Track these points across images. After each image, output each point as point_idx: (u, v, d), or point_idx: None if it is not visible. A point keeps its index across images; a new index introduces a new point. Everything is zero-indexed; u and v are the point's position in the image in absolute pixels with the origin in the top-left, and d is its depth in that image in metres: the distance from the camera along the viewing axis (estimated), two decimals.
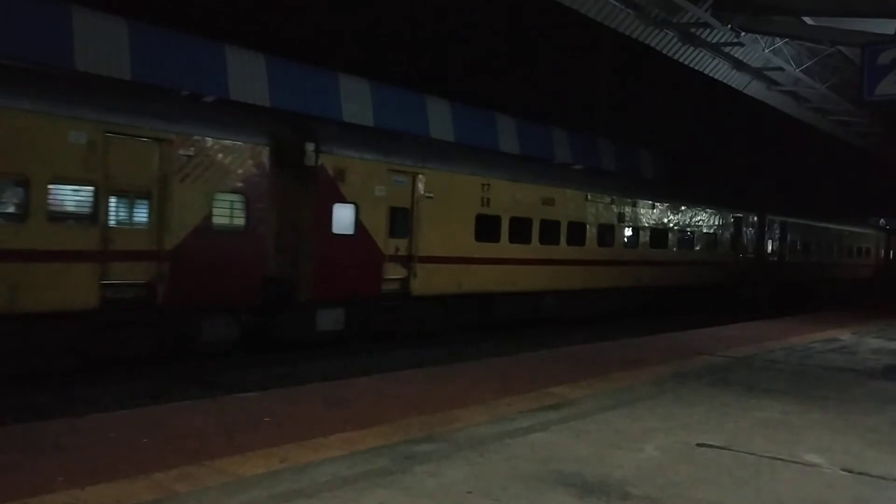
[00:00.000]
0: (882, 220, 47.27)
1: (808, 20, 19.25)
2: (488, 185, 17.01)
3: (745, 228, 28.13)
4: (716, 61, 22.78)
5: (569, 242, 19.50)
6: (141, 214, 11.29)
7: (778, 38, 21.68)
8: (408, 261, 15.16)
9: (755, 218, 28.74)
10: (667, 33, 20.25)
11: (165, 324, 11.69)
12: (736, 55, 22.43)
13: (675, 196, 24.59)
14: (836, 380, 10.74)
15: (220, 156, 12.01)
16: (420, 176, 15.33)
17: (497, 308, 17.79)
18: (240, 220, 12.42)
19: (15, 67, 11.31)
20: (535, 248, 18.39)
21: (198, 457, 5.55)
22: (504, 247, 17.52)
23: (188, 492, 4.89)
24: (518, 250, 17.89)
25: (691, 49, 21.44)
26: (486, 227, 17.02)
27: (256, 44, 20.78)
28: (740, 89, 25.21)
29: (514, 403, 7.91)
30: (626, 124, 36.73)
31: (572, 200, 19.66)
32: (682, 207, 24.58)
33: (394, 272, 14.96)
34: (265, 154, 12.65)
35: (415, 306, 15.56)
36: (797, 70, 23.53)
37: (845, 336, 16.36)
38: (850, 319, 20.30)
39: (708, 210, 25.98)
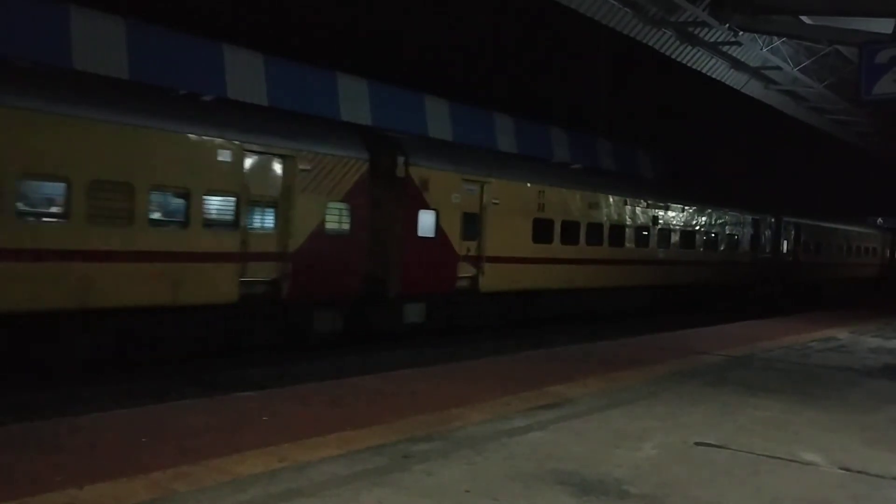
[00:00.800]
0: (879, 220, 47.37)
1: (805, 19, 19.26)
2: (543, 191, 18.77)
3: (762, 230, 29.59)
4: (713, 60, 22.81)
5: (610, 243, 21.11)
6: (269, 221, 13.12)
7: (776, 38, 21.70)
8: (477, 260, 16.86)
9: (772, 220, 30.18)
10: (665, 32, 20.28)
11: (286, 316, 13.56)
12: (734, 54, 22.46)
13: (703, 199, 26.09)
14: (834, 379, 10.76)
15: (331, 169, 13.84)
16: (487, 185, 17.01)
17: (548, 304, 19.48)
18: (346, 226, 14.19)
19: (177, 99, 13.18)
20: (581, 249, 20.06)
21: (196, 456, 5.54)
22: (556, 248, 19.17)
23: (186, 491, 4.88)
24: (568, 251, 19.56)
25: (689, 48, 21.47)
26: (542, 230, 18.67)
27: (254, 41, 20.76)
28: (738, 88, 25.25)
29: (512, 402, 7.91)
30: (624, 124, 36.70)
31: (614, 205, 21.37)
32: (708, 210, 26.15)
33: (465, 271, 16.71)
34: (365, 167, 14.47)
35: (482, 301, 17.33)
36: (795, 69, 23.56)
37: (843, 335, 16.38)
38: (847, 318, 20.33)
39: (731, 213, 27.56)
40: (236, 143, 12.36)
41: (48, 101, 10.48)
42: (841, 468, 6.17)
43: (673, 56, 21.63)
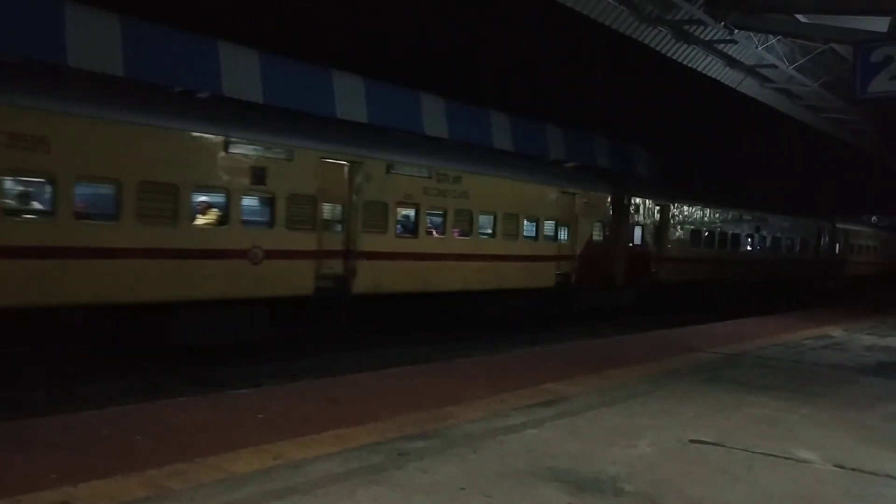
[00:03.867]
0: (874, 219, 47.52)
1: (801, 18, 19.29)
2: (695, 209, 25.61)
3: (823, 235, 35.60)
4: (709, 58, 22.81)
5: (730, 247, 27.83)
6: (566, 235, 19.57)
7: (771, 36, 21.71)
8: (658, 260, 23.39)
9: (831, 226, 36.22)
10: (660, 30, 20.28)
11: (570, 296, 20.05)
12: (729, 52, 22.45)
13: (785, 210, 32.25)
14: (828, 376, 10.79)
15: (596, 202, 20.68)
16: (667, 206, 23.79)
17: (693, 292, 25.33)
18: (600, 237, 20.89)
19: (526, 159, 21.77)
20: (714, 251, 26.70)
21: (191, 454, 5.54)
22: (701, 251, 25.83)
23: (182, 489, 4.88)
24: (707, 253, 26.12)
25: (685, 46, 21.47)
26: (695, 237, 25.56)
27: (252, 39, 20.68)
28: (733, 87, 25.25)
29: (507, 400, 7.92)
30: (620, 121, 36.65)
31: (734, 217, 28.34)
32: (790, 219, 32.40)
33: (654, 267, 23.33)
34: (609, 198, 21.28)
35: (660, 289, 23.79)
36: (790, 67, 23.58)
37: (837, 333, 16.42)
38: (842, 316, 20.38)
39: (805, 221, 33.70)
40: (554, 186, 19.27)
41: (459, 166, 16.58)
42: (835, 465, 6.20)
43: (668, 54, 21.63)
